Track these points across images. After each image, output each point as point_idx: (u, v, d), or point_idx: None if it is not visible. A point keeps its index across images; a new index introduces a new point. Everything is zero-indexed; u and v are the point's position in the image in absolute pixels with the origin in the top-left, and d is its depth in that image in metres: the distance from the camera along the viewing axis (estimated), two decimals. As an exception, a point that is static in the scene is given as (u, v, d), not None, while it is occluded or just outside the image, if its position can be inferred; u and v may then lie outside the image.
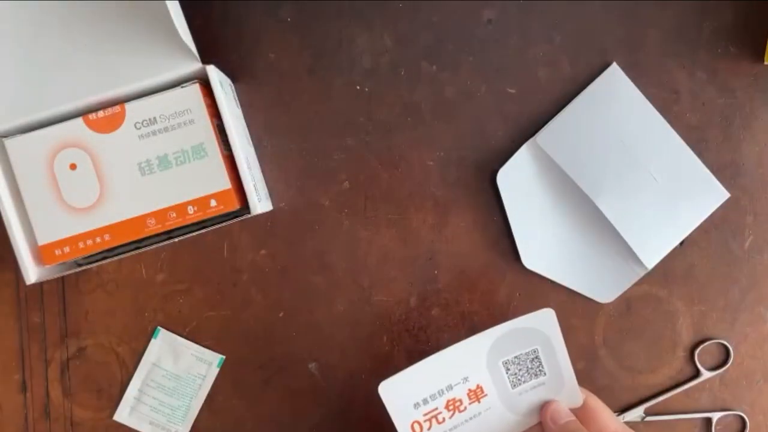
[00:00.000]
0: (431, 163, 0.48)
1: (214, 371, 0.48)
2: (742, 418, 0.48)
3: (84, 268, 0.42)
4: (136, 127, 0.40)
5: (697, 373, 0.48)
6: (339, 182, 0.48)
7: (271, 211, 0.48)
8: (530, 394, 0.39)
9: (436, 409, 0.38)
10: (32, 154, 0.40)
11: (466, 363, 0.38)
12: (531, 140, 0.47)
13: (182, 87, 0.40)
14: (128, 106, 0.40)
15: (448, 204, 0.48)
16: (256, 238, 0.48)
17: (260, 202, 0.42)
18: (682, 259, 0.48)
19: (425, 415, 0.37)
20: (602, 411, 0.39)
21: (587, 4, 0.47)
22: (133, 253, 0.42)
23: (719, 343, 0.48)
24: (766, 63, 0.46)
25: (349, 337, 0.48)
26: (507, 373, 0.39)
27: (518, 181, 0.47)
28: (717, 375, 0.48)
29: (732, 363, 0.48)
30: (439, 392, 0.38)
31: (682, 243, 0.47)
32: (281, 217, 0.48)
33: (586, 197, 0.46)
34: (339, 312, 0.48)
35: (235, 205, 0.41)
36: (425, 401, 0.37)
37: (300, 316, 0.48)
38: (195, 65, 0.40)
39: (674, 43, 0.47)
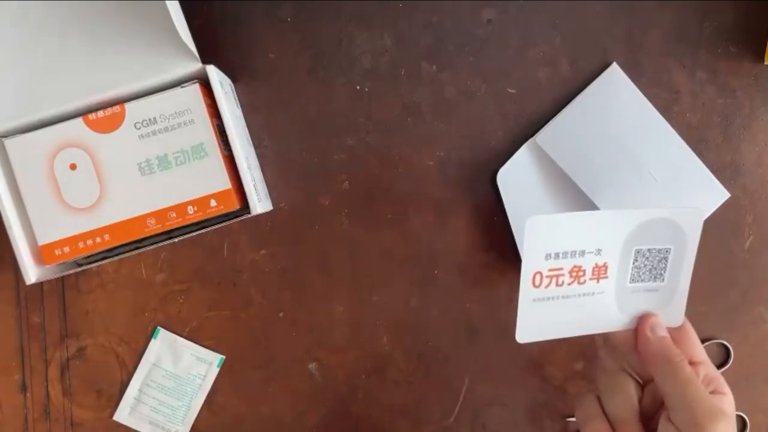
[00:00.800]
0: (431, 163, 0.48)
1: (214, 371, 0.48)
2: (743, 419, 0.48)
3: (84, 268, 0.42)
4: (136, 127, 0.40)
5: (697, 373, 0.48)
6: (339, 182, 0.48)
7: (271, 211, 0.48)
8: (640, 296, 0.38)
9: (561, 270, 0.37)
10: (32, 154, 0.40)
11: (608, 234, 0.37)
12: (531, 140, 0.47)
13: (182, 87, 0.40)
14: (128, 106, 0.40)
15: (448, 204, 0.48)
16: (256, 238, 0.48)
17: (260, 202, 0.42)
18: (682, 259, 0.48)
19: (550, 271, 0.37)
20: (695, 339, 0.39)
21: (587, 4, 0.47)
22: (133, 253, 0.42)
23: (719, 343, 0.48)
24: (766, 63, 0.46)
25: (349, 337, 0.48)
26: (634, 264, 0.38)
27: (518, 181, 0.47)
28: (717, 375, 0.48)
29: (732, 363, 0.48)
30: (572, 252, 0.37)
31: (682, 243, 0.47)
32: (281, 217, 0.48)
33: (586, 197, 0.46)
34: (339, 312, 0.48)
35: (235, 205, 0.41)
36: (557, 256, 0.37)
37: (300, 316, 0.48)
38: (195, 65, 0.40)
39: (674, 43, 0.47)
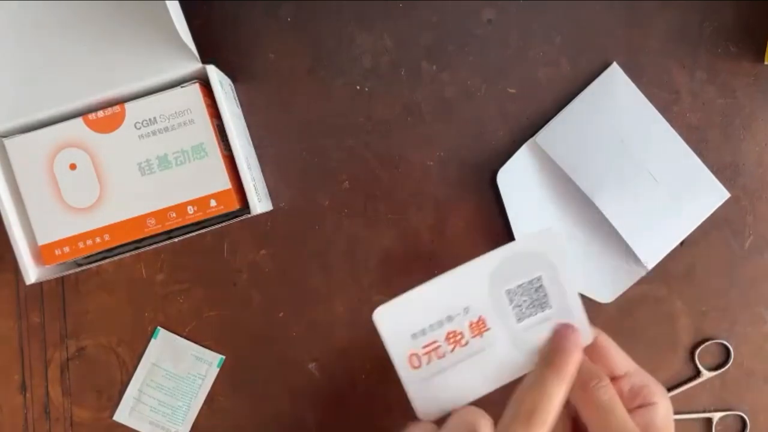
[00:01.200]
0: (431, 163, 0.48)
1: (214, 371, 0.48)
2: (743, 418, 0.48)
3: (84, 268, 0.42)
4: (136, 127, 0.40)
5: (697, 374, 0.48)
6: (339, 182, 0.48)
7: (271, 211, 0.48)
8: (537, 329, 0.36)
9: (436, 342, 0.35)
10: (32, 154, 0.40)
11: (466, 291, 0.36)
12: (531, 140, 0.47)
13: (182, 87, 0.40)
14: (128, 106, 0.40)
15: (448, 204, 0.48)
16: (256, 238, 0.48)
17: (260, 202, 0.42)
18: (682, 259, 0.48)
19: (424, 347, 0.35)
20: (614, 350, 0.36)
21: (587, 4, 0.47)
22: (133, 253, 0.42)
23: (719, 343, 0.48)
24: (766, 63, 0.46)
25: (348, 337, 0.48)
26: (511, 304, 0.36)
27: (518, 181, 0.47)
28: (717, 375, 0.48)
29: (732, 363, 0.48)
30: (438, 323, 0.35)
31: (682, 243, 0.47)
32: (281, 217, 0.48)
33: (586, 197, 0.46)
34: (339, 312, 0.48)
35: (235, 205, 0.41)
36: (423, 332, 0.35)
37: (300, 316, 0.48)
38: (195, 65, 0.40)
39: (674, 43, 0.47)
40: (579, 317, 0.36)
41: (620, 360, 0.36)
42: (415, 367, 0.36)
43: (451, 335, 0.36)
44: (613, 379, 0.35)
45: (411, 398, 0.36)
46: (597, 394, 0.32)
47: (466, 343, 0.36)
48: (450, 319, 0.36)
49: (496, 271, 0.36)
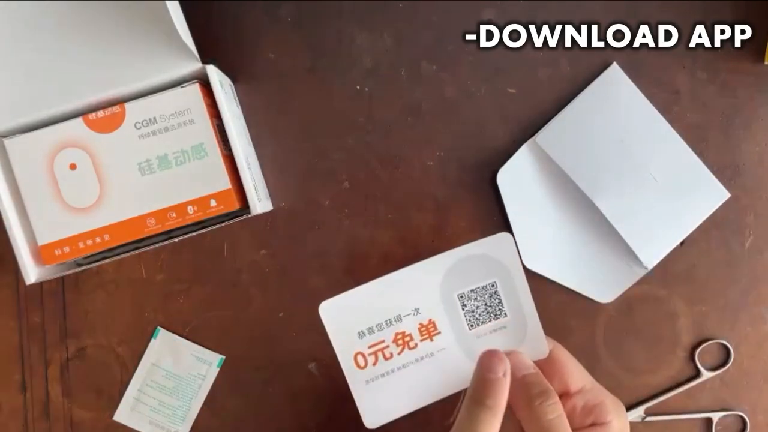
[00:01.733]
0: (431, 163, 0.48)
1: (214, 371, 0.48)
2: (743, 418, 0.48)
3: (84, 268, 0.42)
4: (136, 127, 0.40)
5: (697, 373, 0.48)
6: (339, 182, 0.48)
7: (271, 211, 0.48)
8: (490, 338, 0.35)
9: (383, 342, 0.35)
10: (32, 154, 0.40)
11: (417, 291, 0.35)
12: (531, 140, 0.47)
13: (182, 87, 0.40)
14: (128, 106, 0.40)
15: (448, 204, 0.48)
16: (256, 238, 0.48)
17: (260, 202, 0.42)
18: (682, 259, 0.48)
19: (371, 347, 0.35)
20: (570, 364, 0.36)
21: (587, 4, 0.47)
22: (133, 253, 0.42)
23: (719, 343, 0.48)
24: (766, 63, 0.46)
25: (349, 337, 0.48)
26: (464, 309, 0.35)
27: (518, 181, 0.47)
28: (717, 375, 0.48)
29: (732, 363, 0.48)
30: (387, 322, 0.35)
31: (682, 243, 0.47)
32: (281, 217, 0.48)
33: (586, 197, 0.46)
34: (339, 312, 0.48)
35: (235, 205, 0.41)
36: (371, 330, 0.35)
37: (300, 316, 0.48)
38: (195, 65, 0.40)
39: (674, 42, 0.47)
40: (534, 328, 0.35)
41: (576, 374, 0.35)
42: (360, 367, 0.35)
43: (399, 336, 0.35)
44: (568, 394, 0.34)
45: (356, 401, 0.35)
46: (543, 412, 0.31)
47: (415, 346, 0.35)
48: (399, 319, 0.35)
49: (448, 273, 0.35)
